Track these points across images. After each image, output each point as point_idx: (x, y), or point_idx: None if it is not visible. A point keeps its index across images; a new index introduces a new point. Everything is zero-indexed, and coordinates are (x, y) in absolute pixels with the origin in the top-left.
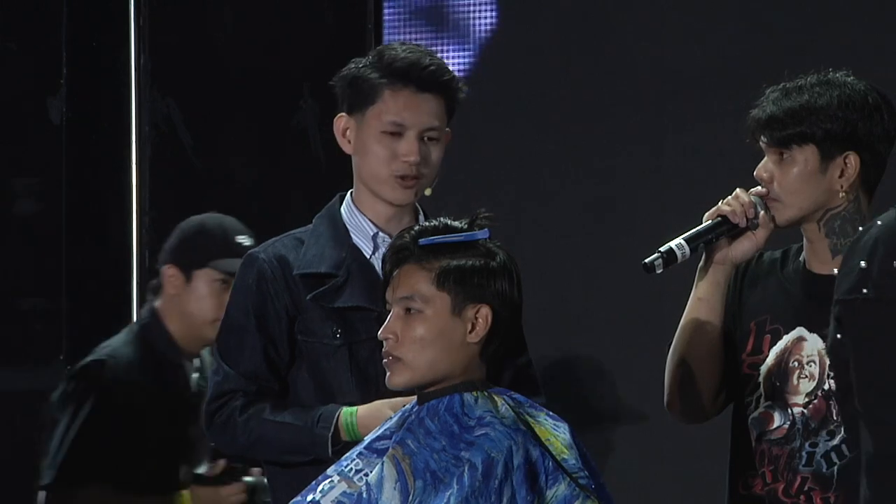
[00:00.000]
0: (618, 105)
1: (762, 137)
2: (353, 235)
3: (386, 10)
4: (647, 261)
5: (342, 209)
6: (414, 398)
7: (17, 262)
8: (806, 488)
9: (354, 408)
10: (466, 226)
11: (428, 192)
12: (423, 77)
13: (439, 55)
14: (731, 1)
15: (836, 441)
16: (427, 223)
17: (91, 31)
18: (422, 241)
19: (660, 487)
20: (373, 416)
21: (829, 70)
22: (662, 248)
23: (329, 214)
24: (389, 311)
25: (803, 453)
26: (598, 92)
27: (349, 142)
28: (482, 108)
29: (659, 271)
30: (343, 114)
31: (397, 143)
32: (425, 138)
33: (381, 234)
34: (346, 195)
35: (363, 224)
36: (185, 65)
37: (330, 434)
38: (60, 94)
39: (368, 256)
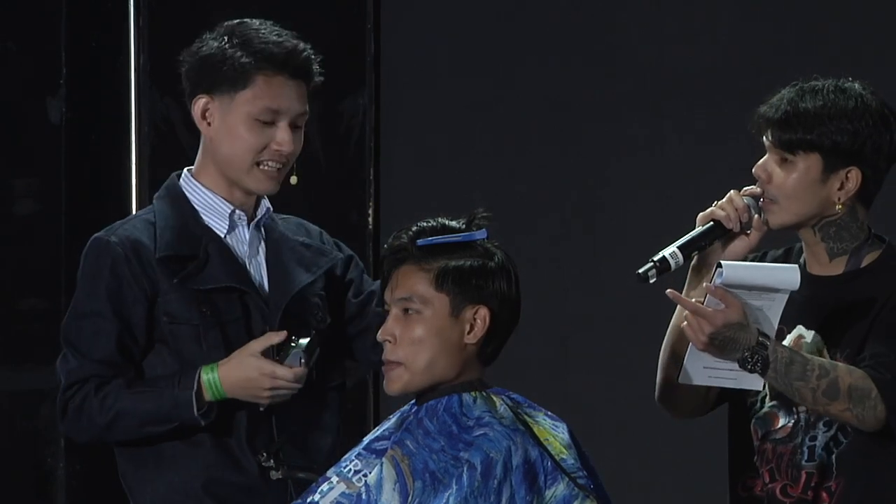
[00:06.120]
0: (617, 105)
1: (768, 135)
2: (203, 216)
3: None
4: (640, 271)
5: (185, 190)
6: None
7: (17, 262)
8: (812, 483)
9: (212, 364)
10: (464, 226)
11: (294, 180)
12: (297, 64)
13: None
14: (732, 1)
15: (832, 431)
16: (425, 223)
17: (91, 31)
18: (420, 241)
19: (660, 487)
20: (237, 365)
21: (847, 78)
22: (655, 258)
23: (171, 195)
24: (388, 312)
25: (804, 448)
26: (597, 92)
27: (209, 124)
28: (481, 107)
29: (653, 281)
30: (203, 95)
31: (269, 130)
32: (293, 125)
33: (237, 211)
34: (182, 173)
35: (216, 203)
36: None
37: (193, 392)
38: (60, 94)
39: (223, 236)
